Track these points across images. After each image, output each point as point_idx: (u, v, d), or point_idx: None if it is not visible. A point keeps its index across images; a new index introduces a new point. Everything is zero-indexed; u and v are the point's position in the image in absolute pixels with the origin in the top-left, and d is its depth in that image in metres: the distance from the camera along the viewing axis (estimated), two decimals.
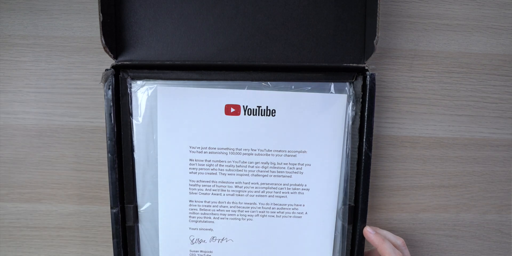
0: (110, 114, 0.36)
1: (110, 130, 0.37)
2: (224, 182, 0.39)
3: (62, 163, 0.43)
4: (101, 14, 0.34)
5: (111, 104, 0.36)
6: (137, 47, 0.38)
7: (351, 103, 0.38)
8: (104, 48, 0.35)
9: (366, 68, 0.37)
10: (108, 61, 0.38)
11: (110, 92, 0.36)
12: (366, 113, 0.37)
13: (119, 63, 0.37)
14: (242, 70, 0.38)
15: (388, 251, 0.36)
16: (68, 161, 0.43)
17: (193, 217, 0.40)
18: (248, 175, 0.39)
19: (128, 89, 0.37)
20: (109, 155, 0.37)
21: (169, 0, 0.38)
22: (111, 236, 0.38)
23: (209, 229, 0.40)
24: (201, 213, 0.40)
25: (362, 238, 0.39)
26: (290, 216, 0.40)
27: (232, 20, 0.38)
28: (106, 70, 0.36)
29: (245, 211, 0.40)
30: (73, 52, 0.42)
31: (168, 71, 0.37)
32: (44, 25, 0.42)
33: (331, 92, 0.38)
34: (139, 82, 0.37)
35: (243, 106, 0.38)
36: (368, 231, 0.38)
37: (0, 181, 0.44)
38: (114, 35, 0.37)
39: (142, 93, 0.37)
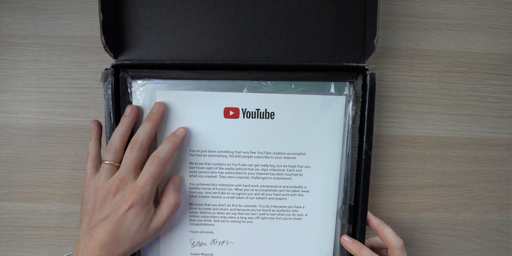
0: (110, 113, 0.36)
1: (110, 130, 0.37)
2: (224, 185, 0.39)
3: (62, 162, 0.43)
4: (101, 14, 0.34)
5: (111, 103, 0.36)
6: (137, 47, 0.38)
7: (351, 103, 0.38)
8: (104, 47, 0.35)
9: (366, 67, 0.37)
10: (108, 61, 0.38)
11: (110, 92, 0.36)
12: (366, 113, 0.37)
13: (119, 62, 0.37)
14: (242, 69, 0.38)
15: None
16: (68, 160, 0.43)
17: (194, 220, 0.40)
18: (247, 177, 0.39)
19: (128, 89, 0.37)
20: None
21: (169, 0, 0.38)
22: None
23: (209, 232, 0.40)
24: (202, 216, 0.40)
25: (362, 238, 0.39)
26: (290, 218, 0.40)
27: (232, 20, 0.38)
28: (106, 69, 0.36)
29: (245, 214, 0.40)
30: (73, 51, 0.42)
31: (168, 70, 0.37)
32: (44, 25, 0.42)
33: (331, 92, 0.38)
34: (139, 82, 0.37)
35: (242, 109, 0.38)
36: (345, 241, 0.39)
37: (0, 181, 0.44)
38: (114, 34, 0.37)
39: (142, 92, 0.37)
